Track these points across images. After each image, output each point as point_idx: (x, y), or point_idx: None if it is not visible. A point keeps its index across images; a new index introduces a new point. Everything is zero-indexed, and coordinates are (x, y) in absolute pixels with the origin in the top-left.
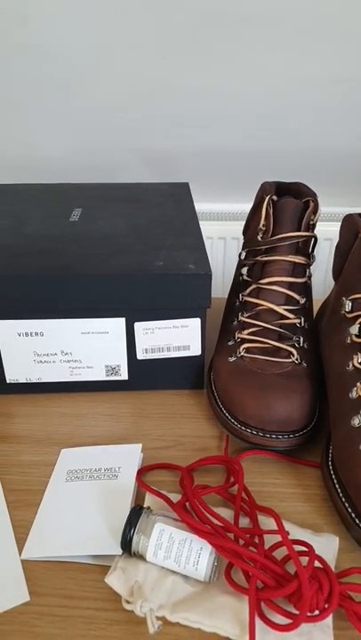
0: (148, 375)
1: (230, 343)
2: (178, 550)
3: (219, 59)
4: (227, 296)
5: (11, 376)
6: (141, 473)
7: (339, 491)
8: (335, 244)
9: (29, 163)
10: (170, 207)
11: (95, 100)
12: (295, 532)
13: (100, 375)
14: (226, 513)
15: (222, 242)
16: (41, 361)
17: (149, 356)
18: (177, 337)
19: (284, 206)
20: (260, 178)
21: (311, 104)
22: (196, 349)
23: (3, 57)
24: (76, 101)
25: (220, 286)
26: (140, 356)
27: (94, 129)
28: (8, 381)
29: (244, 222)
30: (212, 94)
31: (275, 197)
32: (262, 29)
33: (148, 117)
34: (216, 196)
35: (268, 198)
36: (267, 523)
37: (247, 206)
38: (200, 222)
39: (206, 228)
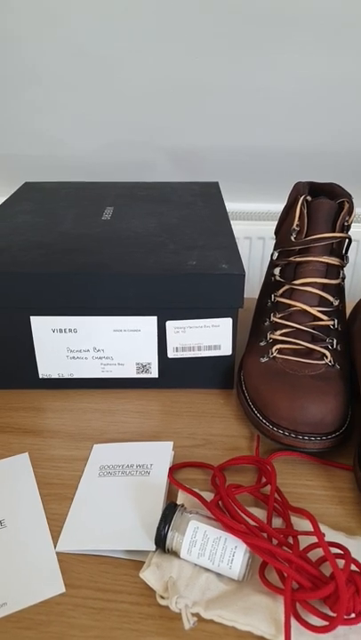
0: (177, 374)
1: (262, 344)
2: (212, 548)
3: (249, 58)
4: (251, 296)
5: (43, 371)
6: (173, 470)
7: None
8: None
9: (59, 161)
10: (200, 206)
11: (125, 99)
12: (329, 535)
13: (130, 372)
14: (258, 513)
15: (248, 241)
16: (73, 357)
17: (180, 354)
18: (208, 336)
19: (319, 207)
20: (286, 178)
21: (341, 104)
22: (226, 349)
23: (34, 56)
24: (105, 100)
25: (246, 286)
26: (171, 354)
27: (123, 128)
28: (41, 377)
29: (269, 222)
30: (242, 94)
31: (309, 198)
32: (293, 29)
33: (177, 116)
34: (241, 195)
35: (302, 198)
36: (299, 524)
37: (273, 206)
38: None
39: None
